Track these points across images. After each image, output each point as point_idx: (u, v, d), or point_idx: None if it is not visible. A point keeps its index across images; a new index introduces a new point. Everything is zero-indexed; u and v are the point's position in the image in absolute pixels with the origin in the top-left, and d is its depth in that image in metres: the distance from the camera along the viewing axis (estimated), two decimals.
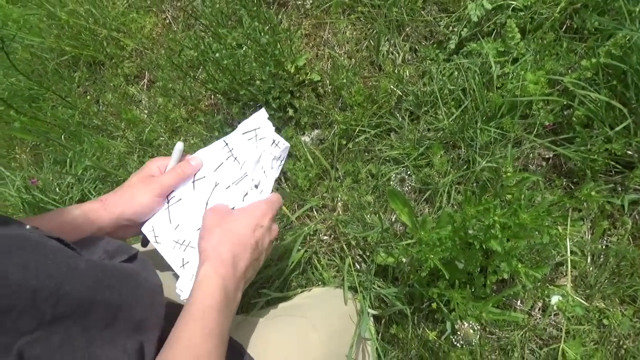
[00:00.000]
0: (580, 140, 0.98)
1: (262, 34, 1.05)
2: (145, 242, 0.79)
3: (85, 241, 0.64)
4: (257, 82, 1.08)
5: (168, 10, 1.65)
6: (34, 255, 0.49)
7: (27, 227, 0.56)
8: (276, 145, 0.80)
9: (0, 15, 1.81)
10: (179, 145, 0.75)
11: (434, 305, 0.83)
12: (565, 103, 1.00)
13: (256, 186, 0.78)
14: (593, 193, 0.68)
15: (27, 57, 1.74)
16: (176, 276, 0.74)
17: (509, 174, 0.72)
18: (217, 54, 1.02)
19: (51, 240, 0.55)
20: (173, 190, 0.74)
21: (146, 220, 0.73)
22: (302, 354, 0.83)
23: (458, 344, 0.71)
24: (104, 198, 0.72)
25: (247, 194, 0.77)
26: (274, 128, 0.80)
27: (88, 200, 0.74)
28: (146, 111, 1.56)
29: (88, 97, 1.65)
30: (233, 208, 0.75)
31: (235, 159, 0.78)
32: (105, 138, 1.51)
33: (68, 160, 1.44)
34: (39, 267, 0.48)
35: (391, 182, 1.02)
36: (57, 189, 1.47)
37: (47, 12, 1.70)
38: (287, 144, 0.81)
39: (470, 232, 0.84)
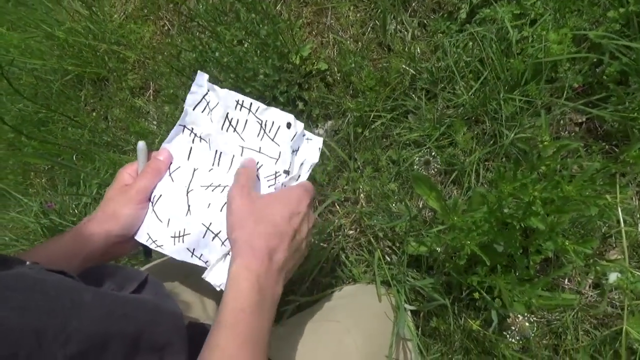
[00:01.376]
0: (616, 98, 0.90)
1: (261, 25, 0.99)
2: (147, 252, 0.74)
3: (89, 272, 0.60)
4: (261, 76, 1.02)
5: (165, 17, 1.61)
6: (32, 294, 0.45)
7: (27, 263, 0.52)
8: (241, 106, 0.72)
9: (1, 43, 1.81)
10: (140, 145, 0.70)
11: (475, 294, 0.76)
12: (595, 60, 0.92)
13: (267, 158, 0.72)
14: None
15: (31, 82, 1.72)
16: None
17: (545, 142, 0.65)
18: (217, 53, 0.97)
19: (52, 274, 0.51)
20: (152, 191, 0.69)
21: (137, 231, 0.69)
22: None
23: (513, 339, 0.65)
24: (87, 220, 0.68)
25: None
26: (225, 90, 0.72)
27: (73, 227, 0.70)
28: (155, 122, 1.52)
29: (95, 114, 1.62)
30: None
31: (201, 138, 0.72)
32: (117, 154, 1.48)
33: (81, 180, 1.41)
34: (39, 306, 0.44)
35: (415, 166, 0.95)
36: (75, 210, 1.45)
37: (45, 34, 1.68)
38: (259, 104, 0.72)
39: (506, 211, 0.77)
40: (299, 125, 0.73)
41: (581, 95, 1.01)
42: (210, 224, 0.66)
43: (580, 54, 0.92)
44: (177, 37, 1.48)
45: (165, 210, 0.68)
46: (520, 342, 0.63)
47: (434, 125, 1.10)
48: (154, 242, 0.68)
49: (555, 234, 0.68)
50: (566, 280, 0.95)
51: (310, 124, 1.25)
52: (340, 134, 1.21)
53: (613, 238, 0.91)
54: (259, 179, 0.71)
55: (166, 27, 1.62)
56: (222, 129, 0.72)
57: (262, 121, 0.72)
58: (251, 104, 0.72)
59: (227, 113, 0.72)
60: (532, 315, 0.63)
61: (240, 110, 0.72)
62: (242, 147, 0.72)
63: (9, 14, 1.85)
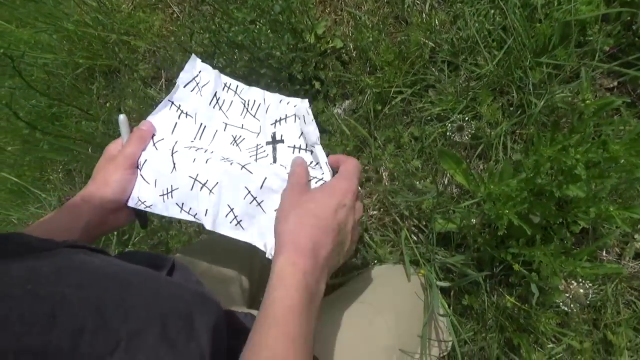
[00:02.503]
0: None
1: (274, 1, 0.96)
2: (142, 221, 0.75)
3: (122, 257, 0.59)
4: (277, 53, 0.99)
5: (174, 3, 1.59)
6: (84, 273, 0.45)
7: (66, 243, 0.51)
8: (228, 88, 0.75)
9: (11, 40, 1.80)
10: (121, 118, 0.72)
11: (515, 266, 0.73)
12: (628, 18, 0.87)
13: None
14: None
15: (43, 77, 1.71)
16: None
17: (588, 101, 0.61)
18: (230, 33, 0.94)
19: (95, 254, 0.51)
20: (138, 158, 0.70)
21: (128, 197, 0.70)
22: (370, 343, 0.76)
23: (566, 308, 0.61)
24: (81, 194, 0.67)
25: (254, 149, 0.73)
26: (215, 71, 0.75)
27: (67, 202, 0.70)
28: None
29: (108, 105, 1.61)
30: (242, 166, 0.68)
31: (187, 114, 0.74)
32: None
33: None
34: (93, 283, 0.44)
35: (447, 133, 0.91)
36: None
37: (55, 27, 1.66)
38: (243, 85, 0.76)
39: (539, 181, 0.73)
40: (270, 97, 0.77)
41: (612, 59, 0.96)
42: (197, 174, 0.67)
43: (612, 10, 0.86)
44: (188, 19, 1.45)
45: (152, 171, 0.69)
46: (576, 310, 0.59)
47: (457, 98, 1.06)
48: (142, 203, 0.69)
49: (598, 200, 0.64)
50: (604, 252, 0.91)
51: (328, 103, 1.21)
52: (359, 112, 1.18)
53: None
54: (240, 150, 0.74)
55: (175, 15, 1.59)
56: (209, 104, 0.75)
57: (245, 100, 0.77)
58: (237, 86, 0.77)
59: (216, 92, 0.76)
60: (588, 282, 0.60)
61: (227, 92, 0.76)
62: (226, 124, 0.76)
63: (18, 11, 1.84)
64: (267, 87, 1.21)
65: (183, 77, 0.74)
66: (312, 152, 0.72)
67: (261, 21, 1.03)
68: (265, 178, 0.65)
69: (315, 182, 0.66)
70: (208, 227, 0.65)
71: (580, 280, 0.60)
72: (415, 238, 1.07)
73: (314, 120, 0.71)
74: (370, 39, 1.10)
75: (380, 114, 1.15)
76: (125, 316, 0.43)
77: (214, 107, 0.75)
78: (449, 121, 0.91)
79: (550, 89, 0.94)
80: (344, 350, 0.74)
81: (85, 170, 1.51)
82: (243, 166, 0.66)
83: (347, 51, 1.24)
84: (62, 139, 1.54)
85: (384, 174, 1.11)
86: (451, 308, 0.97)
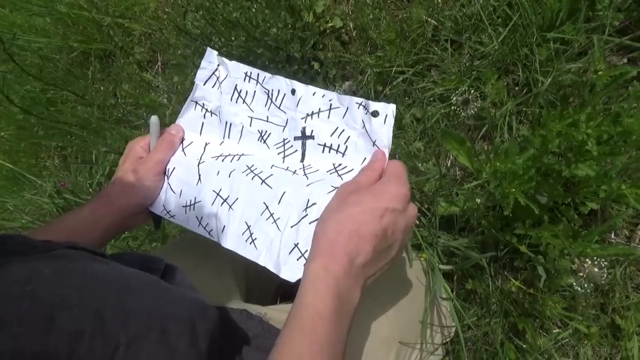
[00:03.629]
0: None
1: None
2: (157, 222, 0.74)
3: (116, 258, 0.57)
4: (274, 30, 0.96)
5: None
6: (84, 276, 0.44)
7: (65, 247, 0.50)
8: (250, 78, 0.70)
9: (5, 24, 1.76)
10: (153, 119, 0.71)
11: (522, 248, 0.70)
12: None
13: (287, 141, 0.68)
14: None
15: (37, 62, 1.68)
16: None
17: (600, 72, 0.58)
18: (225, 10, 0.90)
19: (95, 257, 0.50)
20: (167, 164, 0.70)
21: (153, 202, 0.70)
22: (368, 337, 0.73)
23: (580, 288, 0.59)
24: (106, 194, 0.67)
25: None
26: (233, 62, 0.71)
27: (89, 201, 0.69)
28: (165, 95, 1.47)
29: (103, 89, 1.58)
30: (272, 167, 0.65)
31: (212, 112, 0.72)
32: (128, 129, 1.44)
33: (93, 157, 1.37)
34: (94, 287, 0.43)
35: (452, 107, 0.87)
36: (89, 189, 1.41)
37: (48, 10, 1.63)
38: (265, 74, 0.70)
39: (547, 159, 0.70)
40: (300, 88, 0.69)
41: (622, 35, 0.92)
42: (220, 189, 0.65)
43: None
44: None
45: (178, 181, 0.69)
46: (590, 289, 0.57)
47: (461, 77, 1.03)
48: (167, 212, 0.69)
49: (609, 179, 0.61)
50: (612, 234, 0.88)
51: (328, 84, 1.18)
52: (360, 93, 1.14)
53: None
54: (268, 147, 0.71)
55: None
56: (231, 100, 0.72)
57: (268, 90, 0.71)
58: (258, 74, 0.72)
59: (236, 85, 0.72)
60: (603, 260, 0.57)
61: (249, 82, 0.72)
62: (251, 118, 0.72)
63: None
64: (265, 68, 1.17)
65: (201, 74, 0.72)
66: (343, 154, 0.66)
67: None
68: (284, 193, 0.62)
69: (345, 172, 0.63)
70: (224, 244, 0.63)
71: (596, 259, 0.57)
72: (417, 222, 1.05)
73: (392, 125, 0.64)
74: (371, 16, 1.06)
75: (381, 95, 1.12)
76: (124, 321, 0.42)
77: (236, 101, 0.72)
78: (454, 94, 0.88)
79: (557, 66, 0.91)
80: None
81: (81, 155, 1.48)
82: (263, 181, 0.64)
83: (347, 31, 1.20)
84: (57, 124, 1.51)
85: None
86: (454, 293, 0.95)
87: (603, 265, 0.57)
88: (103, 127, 1.45)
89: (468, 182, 0.97)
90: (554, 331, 0.88)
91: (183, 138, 0.73)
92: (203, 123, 0.74)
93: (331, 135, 0.67)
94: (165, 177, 0.70)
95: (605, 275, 0.57)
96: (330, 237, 0.54)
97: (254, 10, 0.96)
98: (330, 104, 0.67)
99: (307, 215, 0.60)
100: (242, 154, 0.70)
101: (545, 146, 0.61)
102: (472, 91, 0.85)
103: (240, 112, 0.72)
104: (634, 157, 0.63)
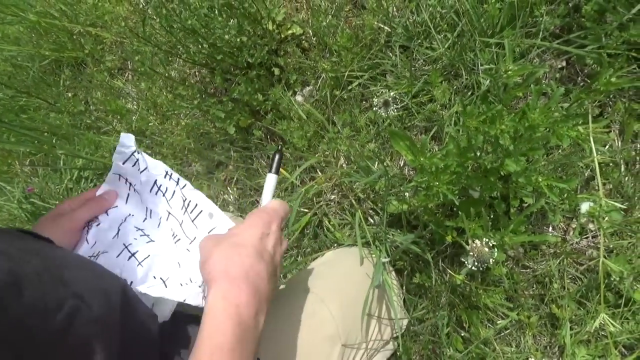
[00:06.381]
0: (594, 36, 0.87)
1: None
2: None
3: None
4: (226, 37, 0.99)
5: None
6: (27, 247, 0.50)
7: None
8: (170, 177, 0.72)
9: None
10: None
11: (448, 237, 0.74)
12: None
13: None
14: (613, 79, 0.57)
15: (9, 70, 1.70)
16: None
17: (510, 72, 0.62)
18: (181, 16, 0.94)
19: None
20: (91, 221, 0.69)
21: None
22: (312, 334, 0.76)
23: (472, 267, 0.62)
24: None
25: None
26: (154, 160, 0.72)
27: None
28: (135, 103, 1.50)
29: (72, 95, 1.60)
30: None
31: (135, 190, 0.72)
32: (97, 135, 1.46)
33: (61, 162, 1.39)
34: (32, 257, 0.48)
35: (374, 108, 0.91)
36: (58, 194, 1.43)
37: (19, 19, 1.65)
38: (186, 182, 0.73)
39: (482, 156, 0.74)
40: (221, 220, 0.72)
41: (559, 38, 0.98)
42: (130, 244, 0.66)
43: None
44: (148, 10, 1.45)
45: (98, 232, 0.67)
46: (480, 269, 0.60)
47: (412, 81, 1.07)
48: None
49: (529, 172, 0.66)
50: (550, 228, 0.92)
51: (287, 89, 1.22)
52: (317, 96, 1.18)
53: (597, 182, 0.88)
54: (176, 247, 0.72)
55: (141, 5, 1.58)
56: (150, 191, 0.72)
57: (185, 199, 0.72)
58: (179, 179, 0.73)
59: (156, 180, 0.72)
60: (492, 240, 0.60)
61: (169, 180, 0.72)
62: (169, 213, 0.73)
63: None
64: (229, 75, 1.21)
65: (118, 157, 0.69)
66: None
67: (215, 6, 1.03)
68: (195, 238, 0.68)
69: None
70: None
71: (485, 240, 0.61)
72: (372, 220, 1.08)
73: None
74: (324, 23, 1.10)
75: (337, 98, 1.16)
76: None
77: (156, 193, 0.72)
78: (375, 97, 0.92)
79: (497, 68, 0.96)
80: (286, 345, 0.73)
81: (50, 162, 1.50)
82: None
83: (306, 38, 1.24)
84: (28, 131, 1.53)
85: (340, 157, 1.12)
86: (404, 288, 0.99)
87: (492, 245, 0.61)
88: (73, 133, 1.47)
89: (417, 179, 1.01)
90: (498, 322, 0.91)
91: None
92: (129, 195, 0.72)
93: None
94: (85, 230, 0.68)
95: (495, 254, 0.61)
96: (221, 265, 0.54)
97: (209, 17, 0.99)
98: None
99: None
100: (156, 241, 0.70)
101: (469, 142, 0.66)
102: (395, 94, 0.89)
103: (160, 204, 0.72)
104: (561, 154, 0.67)
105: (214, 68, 1.24)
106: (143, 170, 0.70)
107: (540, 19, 0.97)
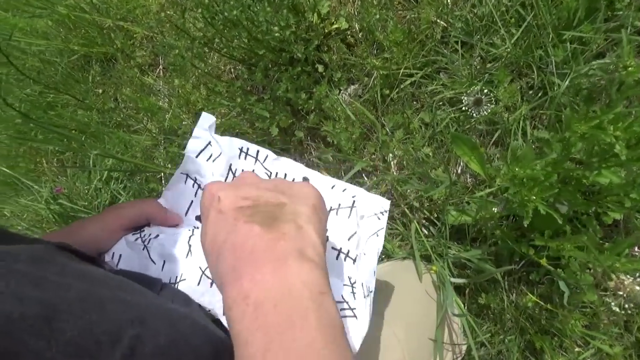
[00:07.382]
0: None
1: None
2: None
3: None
4: (275, 28, 0.92)
5: None
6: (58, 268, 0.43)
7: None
8: (246, 154, 0.62)
9: (7, 27, 1.73)
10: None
11: (542, 261, 0.65)
12: None
13: None
14: None
15: (37, 65, 1.65)
16: None
17: (631, 68, 0.53)
18: (225, 9, 0.86)
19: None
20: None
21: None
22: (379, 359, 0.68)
23: (617, 308, 0.53)
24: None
25: None
26: (227, 137, 0.62)
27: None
28: (167, 100, 1.43)
29: (101, 92, 1.54)
30: None
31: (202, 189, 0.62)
32: (127, 133, 1.40)
33: (91, 162, 1.33)
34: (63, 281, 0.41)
35: (463, 108, 0.82)
36: (86, 195, 1.37)
37: (48, 12, 1.60)
38: (268, 152, 0.61)
39: (566, 166, 0.65)
40: (316, 177, 0.60)
41: None
42: (205, 267, 0.57)
43: None
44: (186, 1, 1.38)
45: (162, 250, 0.59)
46: (632, 310, 0.51)
47: (472, 80, 0.98)
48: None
49: (638, 185, 0.56)
50: (636, 247, 0.82)
51: (332, 88, 1.14)
52: (366, 96, 1.10)
53: None
54: None
55: None
56: (225, 181, 0.63)
57: (270, 173, 0.61)
58: (258, 151, 0.62)
59: (231, 164, 0.62)
60: (597, 265, 0.51)
61: (246, 158, 0.62)
62: None
63: None
64: (268, 71, 1.13)
65: (193, 144, 0.60)
66: (357, 265, 0.57)
67: None
68: None
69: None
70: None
71: (638, 275, 0.51)
72: (426, 232, 0.99)
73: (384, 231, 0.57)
74: (377, 16, 1.02)
75: (388, 99, 1.07)
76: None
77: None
78: (464, 94, 0.82)
79: (575, 67, 0.86)
80: None
81: (79, 160, 1.45)
82: None
83: (352, 32, 1.16)
84: (56, 128, 1.48)
85: (392, 162, 1.03)
86: (466, 308, 0.89)
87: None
88: (102, 131, 1.41)
89: (480, 190, 0.92)
90: (576, 350, 0.82)
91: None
92: (192, 202, 0.62)
93: (348, 240, 0.55)
94: (138, 239, 0.60)
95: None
96: (219, 269, 0.41)
97: (256, 8, 0.91)
98: (354, 201, 0.57)
99: None
100: None
101: (567, 150, 0.56)
102: (485, 90, 0.80)
103: None
104: None
105: (252, 64, 1.16)
106: (217, 158, 0.60)
107: (623, 12, 0.87)
